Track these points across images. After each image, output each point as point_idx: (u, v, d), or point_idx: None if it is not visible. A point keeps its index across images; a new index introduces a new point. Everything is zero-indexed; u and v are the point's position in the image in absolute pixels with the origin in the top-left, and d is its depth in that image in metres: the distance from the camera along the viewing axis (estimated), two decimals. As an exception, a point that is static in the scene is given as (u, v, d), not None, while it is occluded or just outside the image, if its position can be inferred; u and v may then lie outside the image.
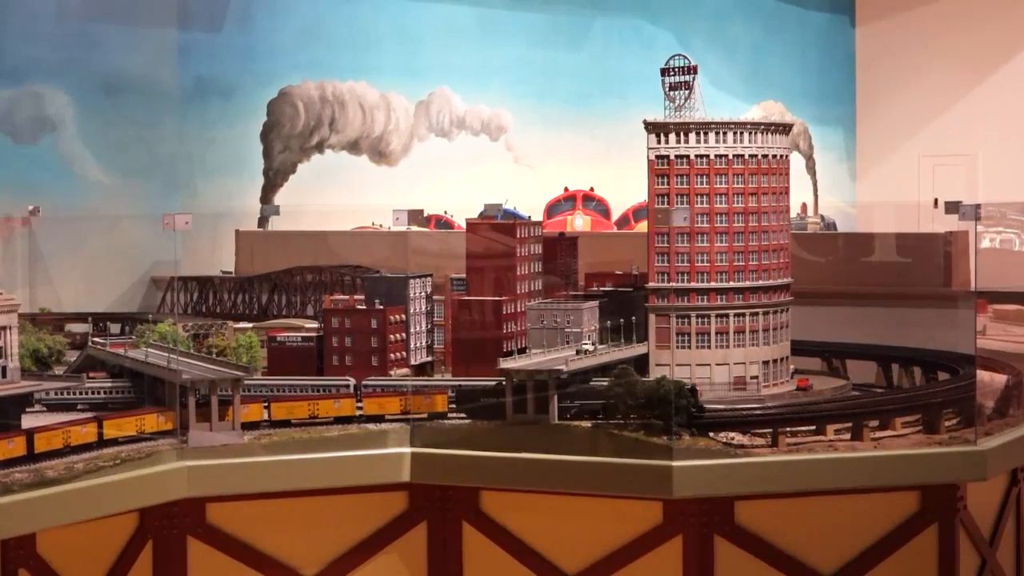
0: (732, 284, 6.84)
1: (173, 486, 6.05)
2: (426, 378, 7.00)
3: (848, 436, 6.35)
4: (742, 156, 6.86)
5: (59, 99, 12.22)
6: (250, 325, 7.45)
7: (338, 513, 6.46)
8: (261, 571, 6.36)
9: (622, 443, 6.20)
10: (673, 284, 6.83)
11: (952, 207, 6.77)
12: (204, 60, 13.41)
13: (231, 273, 10.48)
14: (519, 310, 6.98)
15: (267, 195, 14.04)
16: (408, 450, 6.39)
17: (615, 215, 16.17)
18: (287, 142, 14.30)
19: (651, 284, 6.87)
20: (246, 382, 6.40)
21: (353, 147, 15.02)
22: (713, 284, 6.82)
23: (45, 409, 6.46)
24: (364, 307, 7.01)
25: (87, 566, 6.07)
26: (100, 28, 12.57)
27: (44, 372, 6.79)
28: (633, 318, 7.09)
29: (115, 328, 7.78)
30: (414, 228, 10.93)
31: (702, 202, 6.82)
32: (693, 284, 6.81)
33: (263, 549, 6.37)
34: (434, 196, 14.52)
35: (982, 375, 6.92)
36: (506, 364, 6.48)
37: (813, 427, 6.40)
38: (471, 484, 6.43)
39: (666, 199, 6.86)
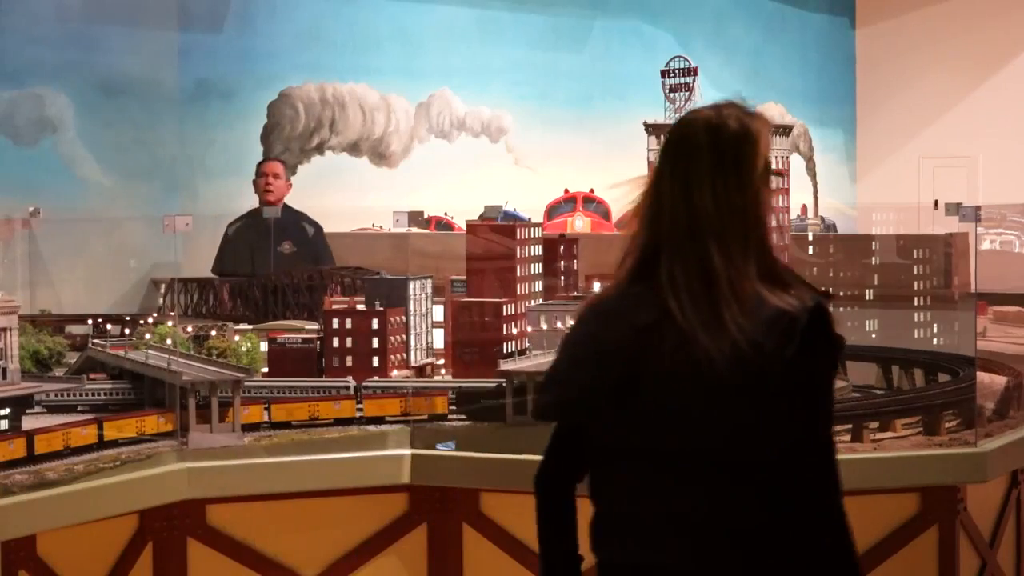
0: (732, 286, 6.83)
1: (173, 488, 6.05)
2: (426, 379, 7.00)
3: (848, 437, 6.34)
4: (742, 158, 6.85)
5: (59, 101, 12.22)
6: (250, 327, 7.44)
7: (338, 515, 6.46)
8: (261, 573, 6.36)
9: (622, 445, 6.19)
10: (673, 286, 6.81)
11: (952, 209, 6.76)
12: (204, 62, 13.42)
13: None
14: (519, 311, 6.98)
15: (267, 197, 14.02)
16: (408, 452, 6.39)
17: (615, 217, 16.16)
18: (287, 144, 14.31)
19: (651, 285, 6.86)
20: (246, 384, 6.40)
21: (353, 149, 15.02)
22: (713, 286, 6.81)
23: (45, 411, 6.46)
24: (364, 308, 7.01)
25: (87, 567, 6.06)
26: (100, 30, 12.57)
27: (44, 374, 6.79)
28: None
29: (115, 330, 7.77)
30: (414, 230, 10.93)
31: (702, 204, 6.81)
32: (693, 286, 6.80)
33: (263, 551, 6.37)
34: (434, 198, 14.52)
35: (982, 377, 6.92)
36: (506, 365, 6.48)
37: (813, 429, 6.38)
38: (471, 486, 6.43)
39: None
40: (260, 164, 11.16)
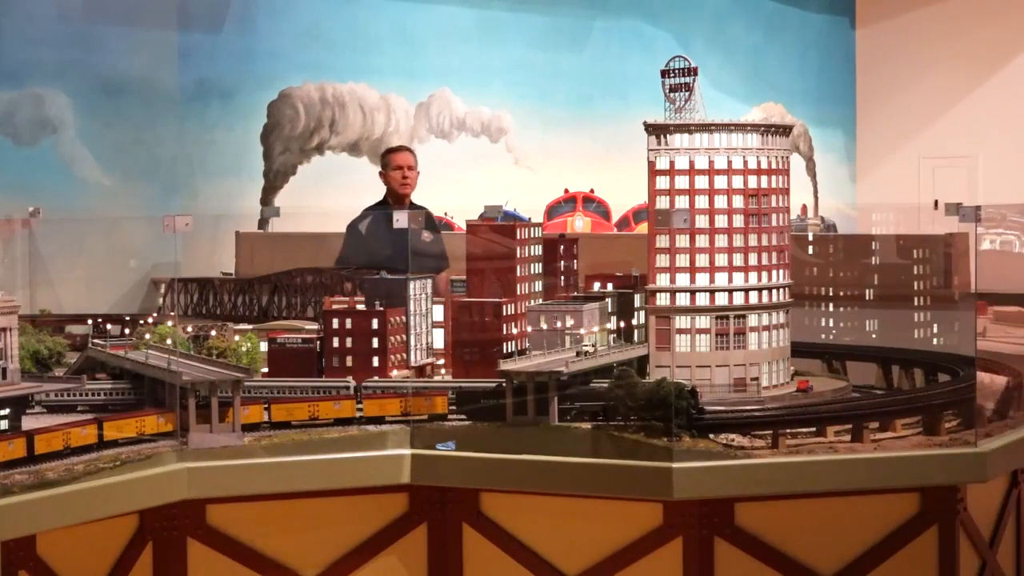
0: (732, 285, 6.83)
1: (173, 488, 6.05)
2: (426, 379, 7.00)
3: (848, 438, 6.34)
4: (742, 158, 6.85)
5: (59, 101, 12.24)
6: (250, 327, 7.44)
7: (338, 515, 6.45)
8: (261, 573, 6.36)
9: (622, 445, 6.20)
10: (674, 285, 6.82)
11: (952, 209, 6.76)
12: (204, 62, 13.43)
13: (231, 275, 10.48)
14: (519, 311, 6.98)
15: (267, 197, 14.06)
16: (408, 452, 6.39)
17: (615, 217, 16.20)
18: (287, 144, 14.31)
19: (651, 285, 6.87)
20: (246, 383, 6.40)
21: (353, 149, 15.03)
22: (713, 285, 6.82)
23: (45, 411, 6.45)
24: (364, 308, 7.00)
25: (87, 567, 6.06)
26: (100, 30, 12.58)
27: (44, 374, 6.79)
28: (634, 320, 7.09)
29: (115, 330, 7.77)
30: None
31: (702, 203, 6.81)
32: (693, 285, 6.80)
33: (263, 551, 6.37)
34: (434, 198, 14.52)
35: (982, 377, 6.91)
36: (506, 366, 6.47)
37: (813, 429, 6.39)
38: (471, 486, 6.43)
39: (666, 200, 6.86)
40: (390, 155, 10.45)
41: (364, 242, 9.77)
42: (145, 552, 6.19)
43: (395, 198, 10.26)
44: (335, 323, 6.95)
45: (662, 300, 6.87)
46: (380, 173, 10.34)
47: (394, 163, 10.22)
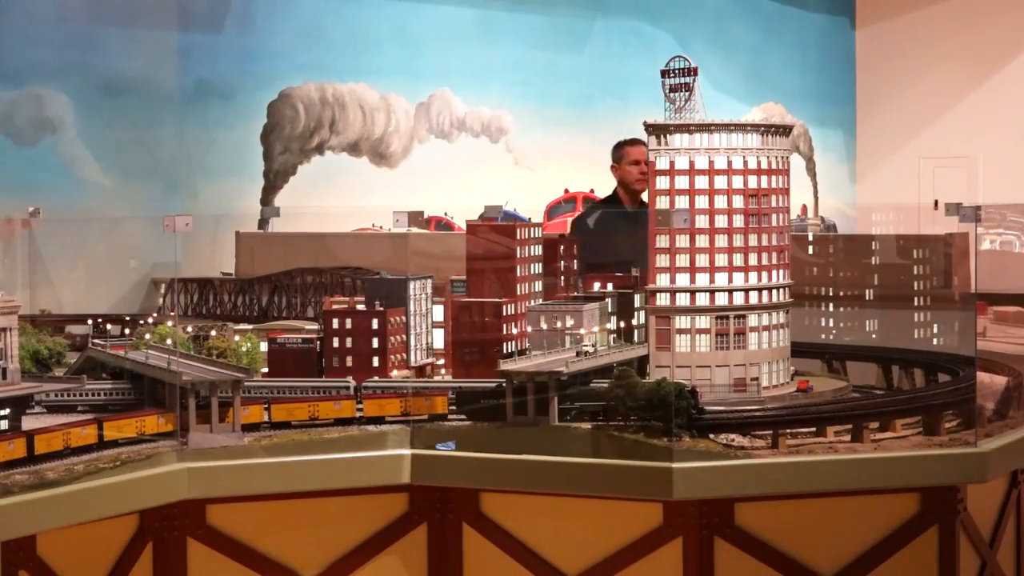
0: (732, 285, 6.83)
1: (173, 488, 6.05)
2: (426, 379, 7.00)
3: (848, 438, 6.35)
4: (742, 158, 6.85)
5: (59, 101, 12.23)
6: (250, 327, 7.44)
7: (338, 515, 6.46)
8: (261, 573, 6.36)
9: (622, 445, 6.20)
10: (674, 285, 6.82)
11: (952, 209, 6.76)
12: (204, 62, 13.42)
13: (231, 275, 10.48)
14: (519, 311, 6.98)
15: (267, 197, 14.05)
16: (408, 452, 6.39)
17: (615, 217, 16.14)
18: (287, 144, 14.31)
19: (651, 285, 6.87)
20: (246, 383, 6.40)
21: (353, 149, 15.02)
22: (713, 285, 6.82)
23: (45, 411, 6.46)
24: (364, 308, 7.00)
25: (87, 568, 6.07)
26: (100, 30, 12.57)
27: (44, 374, 6.79)
28: (634, 320, 7.09)
29: (115, 330, 7.77)
30: (414, 230, 10.90)
31: (702, 203, 6.81)
32: (693, 285, 6.80)
33: (263, 551, 6.38)
34: (434, 198, 14.53)
35: (982, 377, 6.92)
36: (506, 366, 6.47)
37: (813, 429, 6.40)
38: (471, 486, 6.43)
39: (666, 200, 6.86)
40: (625, 148, 9.91)
41: (593, 239, 9.29)
42: (145, 552, 6.19)
43: (630, 193, 9.86)
44: (335, 323, 6.96)
45: (662, 300, 6.87)
46: (612, 167, 9.92)
47: (630, 157, 9.80)
